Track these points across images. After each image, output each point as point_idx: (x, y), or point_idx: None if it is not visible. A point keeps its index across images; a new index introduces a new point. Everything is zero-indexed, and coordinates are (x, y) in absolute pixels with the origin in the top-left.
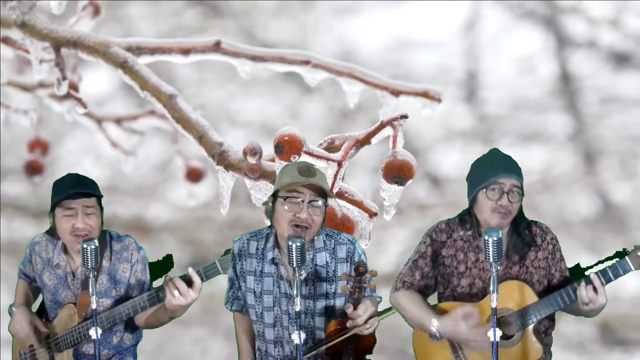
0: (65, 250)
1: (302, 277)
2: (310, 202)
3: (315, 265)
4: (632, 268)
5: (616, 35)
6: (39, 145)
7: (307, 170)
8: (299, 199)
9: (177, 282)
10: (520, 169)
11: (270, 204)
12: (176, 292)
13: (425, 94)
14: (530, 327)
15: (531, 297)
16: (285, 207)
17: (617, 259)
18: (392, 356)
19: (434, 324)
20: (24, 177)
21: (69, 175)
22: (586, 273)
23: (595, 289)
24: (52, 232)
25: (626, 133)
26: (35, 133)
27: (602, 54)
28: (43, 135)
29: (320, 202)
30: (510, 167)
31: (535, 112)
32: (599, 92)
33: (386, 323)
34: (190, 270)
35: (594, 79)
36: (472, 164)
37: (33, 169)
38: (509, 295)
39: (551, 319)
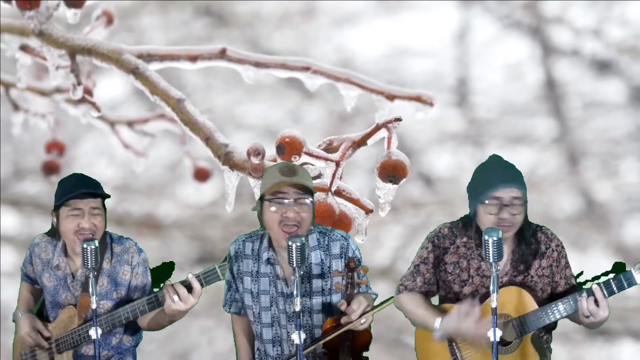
0: (65, 251)
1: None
2: (295, 200)
3: (310, 263)
4: (638, 281)
5: (598, 44)
6: (56, 147)
7: (289, 170)
8: (284, 199)
9: (177, 288)
10: (520, 177)
11: (259, 208)
12: (176, 298)
13: (418, 99)
14: (529, 335)
15: (531, 304)
16: (272, 209)
17: (622, 272)
18: (387, 345)
19: (437, 323)
20: (42, 177)
21: (75, 175)
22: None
23: (596, 302)
24: (52, 233)
25: (607, 135)
26: (52, 135)
27: (585, 62)
28: (60, 137)
29: (305, 200)
30: (507, 177)
31: (523, 116)
32: (582, 98)
33: (381, 313)
34: (190, 276)
35: (577, 85)
36: (475, 170)
37: (50, 169)
38: (508, 302)
39: (549, 329)
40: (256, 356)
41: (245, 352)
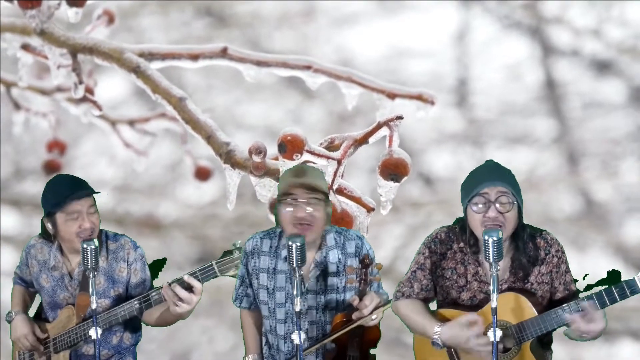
0: (61, 251)
1: (315, 275)
2: (307, 201)
3: (328, 262)
4: None
5: (598, 44)
6: (57, 146)
7: (299, 171)
8: (294, 199)
9: (178, 291)
10: (509, 175)
11: (276, 211)
12: (179, 302)
13: (419, 97)
14: (528, 342)
15: (530, 310)
16: (284, 210)
17: (625, 280)
18: (387, 344)
19: (437, 331)
20: (43, 176)
21: (62, 177)
22: (587, 292)
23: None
24: (46, 235)
25: (607, 136)
26: (54, 134)
27: (584, 62)
28: (61, 136)
29: (316, 201)
30: (494, 175)
31: (522, 117)
32: (582, 98)
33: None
34: (187, 277)
35: (577, 85)
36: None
37: (51, 168)
38: (506, 308)
39: (547, 342)
40: (264, 351)
41: (254, 345)
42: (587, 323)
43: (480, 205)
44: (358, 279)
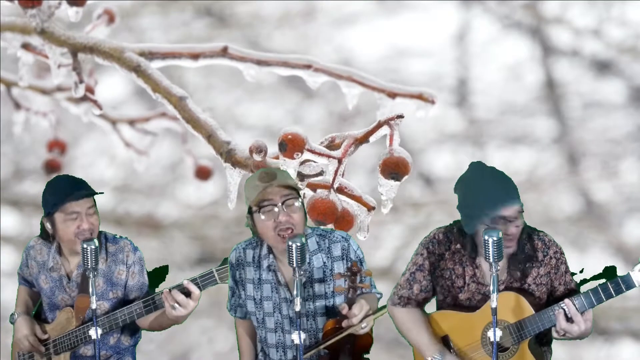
0: (60, 252)
1: (302, 280)
2: (284, 203)
3: (313, 267)
4: (637, 284)
5: (598, 44)
6: (57, 146)
7: (268, 175)
8: (273, 204)
9: (176, 295)
10: (517, 189)
11: (250, 222)
12: (175, 305)
13: (420, 96)
14: (526, 341)
15: (528, 309)
16: (263, 218)
17: (620, 275)
18: (386, 345)
19: (435, 358)
20: (44, 176)
21: (62, 177)
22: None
23: (570, 318)
24: (45, 236)
25: (607, 136)
26: (54, 134)
27: (584, 62)
28: (61, 136)
29: (293, 200)
30: (511, 193)
31: (522, 117)
32: (582, 98)
33: None
34: (186, 282)
35: (577, 85)
36: (466, 184)
37: (52, 168)
38: (505, 307)
39: (547, 342)
40: (260, 357)
41: (249, 353)
42: (567, 322)
43: (499, 227)
44: (347, 286)
